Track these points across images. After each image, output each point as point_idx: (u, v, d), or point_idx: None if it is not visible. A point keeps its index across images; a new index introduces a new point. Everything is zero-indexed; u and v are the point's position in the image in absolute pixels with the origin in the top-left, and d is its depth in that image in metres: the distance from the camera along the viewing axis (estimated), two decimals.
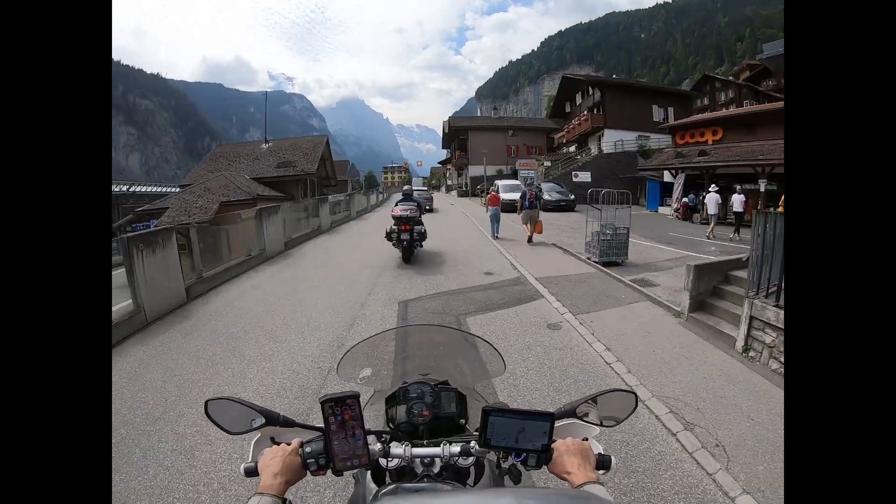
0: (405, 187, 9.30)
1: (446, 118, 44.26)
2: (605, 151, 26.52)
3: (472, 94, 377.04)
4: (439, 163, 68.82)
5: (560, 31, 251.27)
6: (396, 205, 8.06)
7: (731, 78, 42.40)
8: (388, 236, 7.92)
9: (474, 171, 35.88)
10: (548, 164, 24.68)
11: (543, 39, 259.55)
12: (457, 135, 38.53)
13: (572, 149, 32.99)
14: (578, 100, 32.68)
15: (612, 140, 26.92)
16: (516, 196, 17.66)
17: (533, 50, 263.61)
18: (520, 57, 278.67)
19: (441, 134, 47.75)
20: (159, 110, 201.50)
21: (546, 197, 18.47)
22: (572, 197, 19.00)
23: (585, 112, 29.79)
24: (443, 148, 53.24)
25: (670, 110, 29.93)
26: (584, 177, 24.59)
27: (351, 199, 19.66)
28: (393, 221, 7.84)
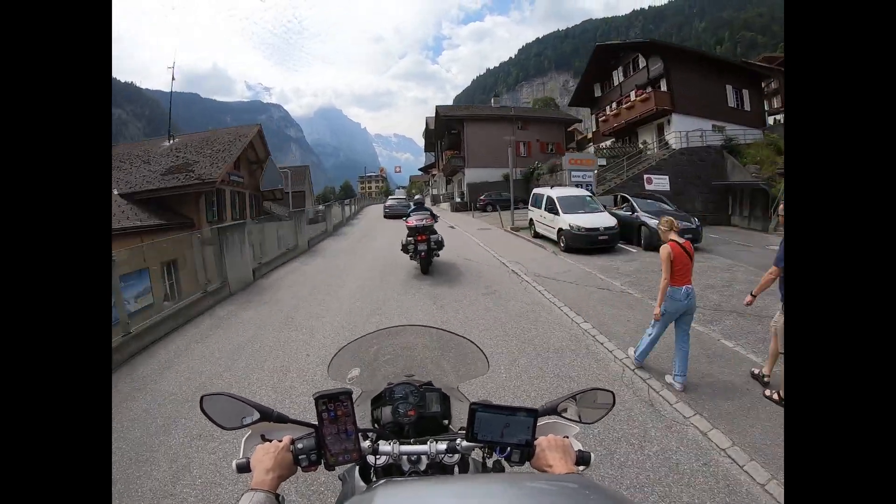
0: (416, 196, 10.13)
1: (424, 125, 34.77)
2: (674, 146, 17.85)
3: (450, 102, 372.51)
4: (420, 170, 59.19)
5: (537, 38, 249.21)
6: (409, 215, 7.83)
7: (776, 66, 35.56)
8: (405, 248, 7.64)
9: (473, 175, 26.56)
10: (602, 162, 15.66)
11: (521, 47, 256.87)
12: (447, 129, 29.05)
13: (607, 143, 24.27)
14: (617, 78, 23.85)
15: (682, 130, 18.32)
16: (608, 222, 8.82)
17: (511, 57, 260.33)
18: (497, 65, 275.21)
19: (421, 139, 38.27)
20: (133, 120, 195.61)
21: (652, 222, 9.43)
22: (697, 223, 9.94)
23: (635, 91, 21.01)
24: (426, 150, 43.80)
25: (744, 93, 21.69)
26: (661, 182, 15.65)
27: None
28: (407, 232, 7.59)
